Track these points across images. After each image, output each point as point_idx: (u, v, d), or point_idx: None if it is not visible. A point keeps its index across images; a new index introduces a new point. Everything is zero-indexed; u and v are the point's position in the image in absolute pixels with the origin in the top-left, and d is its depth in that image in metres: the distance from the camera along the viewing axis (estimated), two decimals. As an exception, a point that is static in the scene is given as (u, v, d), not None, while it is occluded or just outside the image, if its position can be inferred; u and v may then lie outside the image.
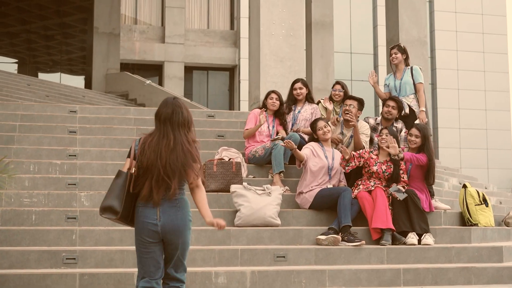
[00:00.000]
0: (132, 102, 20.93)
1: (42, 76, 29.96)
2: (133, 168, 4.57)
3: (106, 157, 8.12)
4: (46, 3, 28.97)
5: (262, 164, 8.13)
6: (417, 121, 8.14)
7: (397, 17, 14.77)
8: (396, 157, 7.24)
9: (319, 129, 7.50)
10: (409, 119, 8.33)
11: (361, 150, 7.49)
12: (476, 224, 7.92)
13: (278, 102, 8.31)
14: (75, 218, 6.66)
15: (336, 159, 7.47)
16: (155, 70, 28.11)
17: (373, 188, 7.10)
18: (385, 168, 7.34)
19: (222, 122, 9.61)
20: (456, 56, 31.50)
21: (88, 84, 24.13)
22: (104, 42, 22.63)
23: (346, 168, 7.36)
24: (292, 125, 8.48)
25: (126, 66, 25.11)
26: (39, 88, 17.25)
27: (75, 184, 7.34)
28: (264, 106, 8.40)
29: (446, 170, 13.48)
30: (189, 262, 6.07)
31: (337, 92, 8.70)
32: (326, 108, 8.64)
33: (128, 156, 4.67)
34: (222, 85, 29.25)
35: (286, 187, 7.73)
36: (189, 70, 27.96)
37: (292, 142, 7.35)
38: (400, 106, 8.11)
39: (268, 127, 8.26)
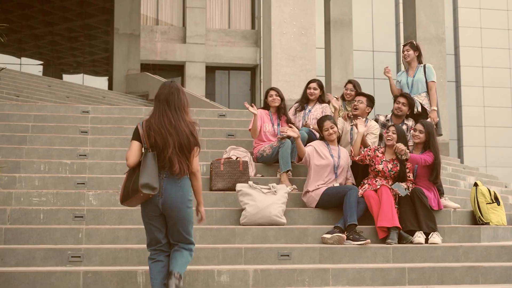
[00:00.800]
0: (153, 102, 21.04)
1: (66, 77, 30.26)
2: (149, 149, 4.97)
3: (115, 157, 8.20)
4: (69, 5, 29.28)
5: (270, 163, 8.15)
6: (428, 120, 8.10)
7: (414, 14, 14.70)
8: (402, 157, 7.20)
9: (325, 129, 7.49)
10: (421, 117, 8.27)
11: (365, 148, 7.48)
12: (487, 223, 7.84)
13: (278, 98, 8.31)
14: (82, 217, 6.74)
15: (342, 158, 7.46)
16: (176, 70, 28.26)
17: (379, 187, 7.08)
18: (391, 166, 7.31)
19: (233, 121, 9.64)
20: (481, 53, 31.15)
21: (110, 85, 24.34)
22: (124, 43, 22.83)
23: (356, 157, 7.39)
24: (302, 124, 8.49)
25: (147, 67, 25.26)
26: (60, 89, 17.45)
27: (84, 184, 7.42)
28: (266, 105, 8.42)
29: (465, 169, 13.38)
30: (193, 261, 6.10)
31: (348, 91, 8.69)
32: (335, 107, 8.64)
33: (133, 139, 5.05)
34: (244, 85, 29.30)
35: (294, 186, 7.73)
36: (210, 70, 28.06)
37: (295, 130, 7.39)
38: (411, 103, 8.07)
39: (273, 125, 8.27)
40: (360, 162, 7.43)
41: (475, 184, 8.12)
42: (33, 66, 31.65)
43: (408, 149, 7.41)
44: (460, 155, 29.41)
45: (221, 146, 8.73)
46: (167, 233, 5.17)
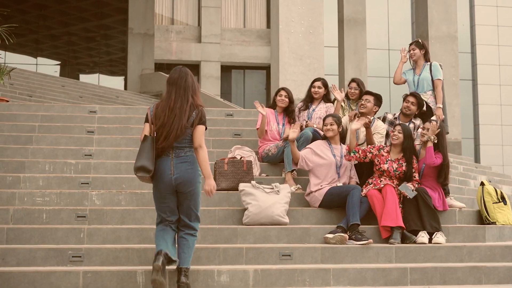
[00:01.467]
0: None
1: (82, 77, 30.44)
2: (153, 132, 5.47)
3: (121, 157, 8.22)
4: (86, 6, 29.45)
5: (275, 162, 8.13)
6: (433, 118, 8.03)
7: (426, 13, 14.65)
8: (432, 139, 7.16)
9: (325, 125, 7.46)
10: (425, 115, 8.22)
11: (369, 146, 7.43)
12: (494, 223, 7.76)
13: (287, 100, 8.28)
14: (84, 216, 6.76)
15: (343, 156, 7.43)
16: (192, 70, 28.09)
17: (383, 186, 7.03)
18: (396, 166, 7.26)
19: (239, 121, 9.63)
20: (498, 51, 30.86)
21: (126, 85, 24.47)
22: (138, 42, 22.93)
23: (351, 156, 7.31)
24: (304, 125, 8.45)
25: (161, 66, 25.34)
26: (73, 90, 17.56)
27: (88, 183, 7.44)
28: (273, 104, 8.40)
29: (477, 168, 13.28)
30: (193, 261, 6.13)
31: (352, 90, 8.64)
32: (342, 106, 8.61)
33: (145, 121, 5.58)
34: (259, 84, 29.27)
35: (298, 186, 7.70)
36: (225, 69, 28.07)
37: (295, 130, 7.36)
38: (419, 103, 8.01)
39: (278, 125, 8.24)
40: (361, 160, 7.37)
41: (482, 183, 8.04)
42: (50, 66, 31.88)
43: (415, 148, 7.38)
44: (476, 153, 29.16)
45: (227, 146, 8.72)
46: (179, 210, 5.61)
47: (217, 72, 27.33)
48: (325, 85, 8.56)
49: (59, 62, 32.79)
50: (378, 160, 7.31)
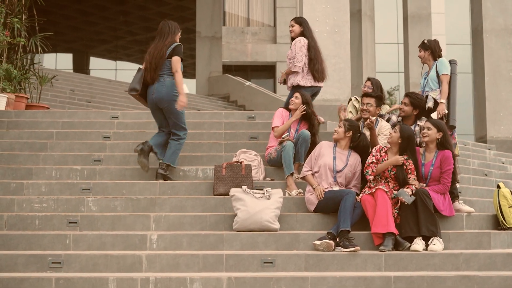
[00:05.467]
0: (233, 104, 21.22)
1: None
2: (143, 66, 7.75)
3: (129, 162, 8.26)
4: (167, 11, 30.08)
5: (280, 166, 7.93)
6: (434, 114, 7.65)
7: (480, 5, 13.96)
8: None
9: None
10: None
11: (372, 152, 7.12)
12: (510, 228, 7.28)
13: (298, 101, 8.05)
14: (76, 222, 6.84)
15: (348, 164, 7.14)
16: (267, 71, 28.34)
17: (374, 191, 6.73)
18: (392, 167, 6.94)
19: (259, 124, 9.48)
20: None
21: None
22: (206, 45, 23.15)
23: (366, 176, 7.03)
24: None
25: (230, 68, 25.47)
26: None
27: (89, 189, 7.52)
28: (287, 105, 8.25)
29: None
30: (172, 267, 6.11)
31: (366, 89, 8.35)
32: (355, 107, 8.36)
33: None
34: (335, 82, 28.95)
35: (300, 190, 7.50)
36: (301, 69, 27.86)
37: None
38: (414, 103, 7.62)
39: (290, 129, 8.01)
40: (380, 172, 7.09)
41: (498, 186, 7.56)
42: (128, 72, 32.86)
43: (416, 151, 7.04)
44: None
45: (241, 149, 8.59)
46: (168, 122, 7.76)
47: (293, 73, 27.18)
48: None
49: (137, 67, 33.70)
50: (377, 160, 7.02)
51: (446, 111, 7.68)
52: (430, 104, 7.81)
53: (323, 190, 6.93)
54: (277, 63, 27.39)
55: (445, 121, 7.64)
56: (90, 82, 18.05)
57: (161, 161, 7.67)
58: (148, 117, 9.75)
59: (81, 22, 32.57)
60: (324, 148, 7.20)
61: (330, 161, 7.13)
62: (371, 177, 6.96)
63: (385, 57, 28.44)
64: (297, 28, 8.68)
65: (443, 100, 7.71)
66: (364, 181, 7.22)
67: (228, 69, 25.11)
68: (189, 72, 29.20)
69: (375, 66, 20.49)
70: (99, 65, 34.37)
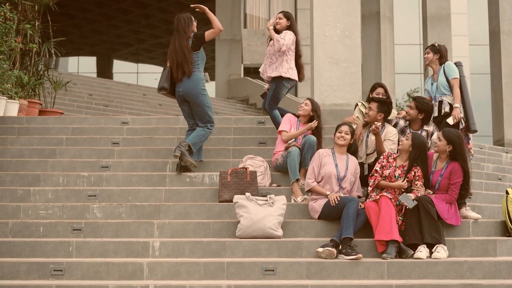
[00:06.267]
0: (252, 107, 21.20)
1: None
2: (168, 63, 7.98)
3: (137, 168, 8.27)
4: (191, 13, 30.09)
5: (287, 172, 7.88)
6: (449, 119, 7.57)
7: (497, 7, 13.76)
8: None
9: (339, 132, 7.17)
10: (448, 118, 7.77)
11: (379, 164, 7.05)
12: (518, 235, 7.17)
13: (307, 108, 8.00)
14: (80, 229, 6.86)
15: (349, 169, 7.09)
16: (289, 72, 28.22)
17: (378, 197, 6.66)
18: (399, 173, 6.87)
19: (268, 129, 9.43)
20: None
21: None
22: (226, 48, 23.18)
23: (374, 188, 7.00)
24: None
25: (249, 70, 25.44)
26: (153, 98, 17.90)
27: (95, 196, 7.54)
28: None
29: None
30: (173, 275, 6.11)
31: (380, 96, 8.19)
32: (362, 112, 8.29)
33: None
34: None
35: (305, 196, 7.44)
36: (320, 71, 27.76)
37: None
38: (420, 107, 7.54)
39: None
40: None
41: (506, 192, 7.43)
42: (150, 74, 33.12)
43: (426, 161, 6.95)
44: None
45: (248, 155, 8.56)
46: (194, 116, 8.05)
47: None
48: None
49: (156, 71, 33.91)
50: (383, 167, 6.95)
51: (462, 115, 7.61)
52: (447, 109, 7.73)
53: (337, 197, 6.84)
54: (298, 64, 27.28)
55: (462, 126, 7.57)
56: (108, 86, 18.13)
57: (182, 141, 7.90)
58: (157, 122, 9.80)
59: (104, 26, 32.85)
60: (324, 157, 7.12)
61: (333, 168, 7.06)
62: (369, 189, 6.91)
63: (405, 59, 28.22)
64: (284, 22, 8.79)
65: (457, 104, 7.63)
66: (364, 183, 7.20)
67: (249, 71, 25.07)
68: (209, 74, 29.24)
69: (394, 68, 20.27)
70: (121, 68, 34.63)
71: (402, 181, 6.83)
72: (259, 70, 9.02)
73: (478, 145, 12.30)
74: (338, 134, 7.22)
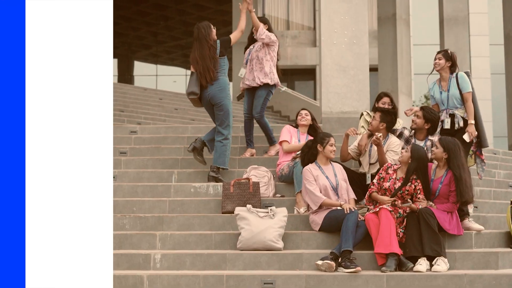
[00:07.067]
0: (269, 109, 21.20)
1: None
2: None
3: (143, 179, 8.34)
4: (207, 15, 30.26)
5: (292, 182, 7.91)
6: (465, 136, 7.46)
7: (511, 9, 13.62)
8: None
9: (330, 145, 7.15)
10: (462, 132, 7.62)
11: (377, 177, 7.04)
12: (524, 246, 7.12)
13: (308, 118, 8.13)
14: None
15: (338, 175, 7.11)
16: (308, 74, 28.30)
17: (378, 210, 6.65)
18: (400, 185, 6.86)
19: (276, 138, 9.44)
20: None
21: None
22: (242, 51, 23.15)
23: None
24: None
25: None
26: (170, 102, 17.98)
27: (100, 207, 7.60)
28: (296, 125, 8.27)
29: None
30: (172, 287, 6.16)
31: (386, 106, 8.14)
32: (367, 121, 8.28)
33: None
34: (376, 85, 28.70)
35: (308, 207, 7.46)
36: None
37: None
38: (427, 117, 7.49)
39: (299, 142, 8.04)
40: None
41: (511, 202, 7.39)
42: (180, 77, 33.34)
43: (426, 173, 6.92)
44: None
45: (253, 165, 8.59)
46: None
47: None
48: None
49: (180, 72, 34.13)
50: (382, 179, 6.95)
51: (476, 132, 7.50)
52: (461, 123, 7.57)
53: (351, 207, 6.84)
54: (317, 66, 27.30)
55: (474, 141, 7.51)
56: (124, 91, 18.21)
57: (212, 166, 8.14)
58: (166, 131, 9.87)
59: (124, 28, 33.08)
60: (314, 171, 7.11)
61: (326, 181, 7.06)
62: (362, 202, 6.91)
63: (424, 59, 28.07)
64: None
65: (472, 121, 7.49)
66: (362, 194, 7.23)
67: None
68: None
69: (410, 70, 20.19)
70: (141, 70, 34.88)
71: (400, 193, 6.82)
72: (239, 75, 9.09)
73: (492, 150, 12.20)
74: (330, 148, 7.17)
